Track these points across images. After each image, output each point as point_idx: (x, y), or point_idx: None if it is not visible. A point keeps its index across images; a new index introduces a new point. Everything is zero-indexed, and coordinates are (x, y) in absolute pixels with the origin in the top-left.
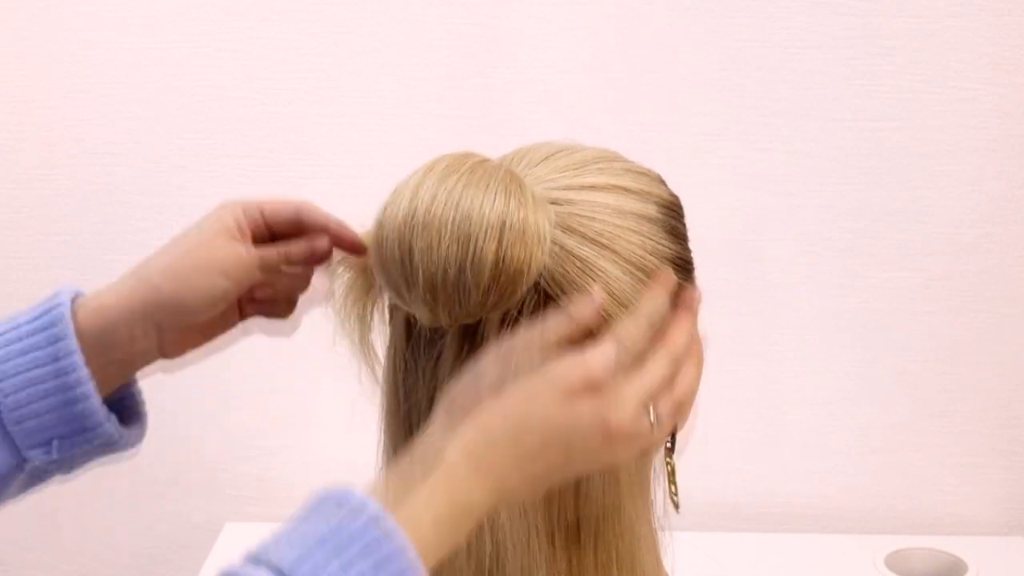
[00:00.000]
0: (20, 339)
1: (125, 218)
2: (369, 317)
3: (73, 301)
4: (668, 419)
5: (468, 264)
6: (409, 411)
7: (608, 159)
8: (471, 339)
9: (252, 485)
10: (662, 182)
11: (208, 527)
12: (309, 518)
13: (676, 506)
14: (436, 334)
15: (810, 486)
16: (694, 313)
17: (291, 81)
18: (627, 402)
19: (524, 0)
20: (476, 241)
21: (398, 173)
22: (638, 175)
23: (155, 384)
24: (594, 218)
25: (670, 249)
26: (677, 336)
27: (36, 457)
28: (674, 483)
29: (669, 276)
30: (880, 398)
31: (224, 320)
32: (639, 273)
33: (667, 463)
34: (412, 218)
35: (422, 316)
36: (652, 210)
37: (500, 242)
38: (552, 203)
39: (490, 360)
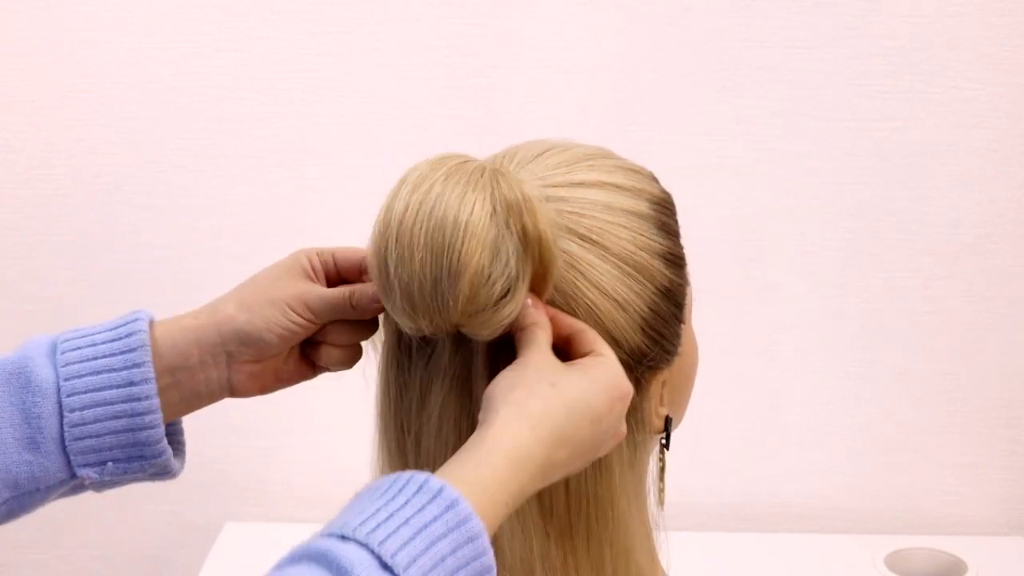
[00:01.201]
0: (95, 357)
1: (125, 218)
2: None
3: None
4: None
5: (444, 275)
6: (401, 411)
7: (600, 156)
8: (465, 338)
9: (252, 485)
10: (654, 179)
11: (208, 527)
12: (391, 497)
13: (661, 503)
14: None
15: (810, 486)
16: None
17: (291, 81)
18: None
19: (524, 0)
20: (450, 251)
21: (398, 173)
22: (629, 172)
23: None
24: (583, 214)
25: (661, 245)
26: None
27: (87, 475)
28: (663, 480)
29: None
30: (880, 398)
31: (296, 369)
32: (628, 268)
33: (659, 459)
34: (387, 229)
35: (404, 327)
36: (643, 206)
37: (477, 250)
38: (544, 200)
39: (521, 375)
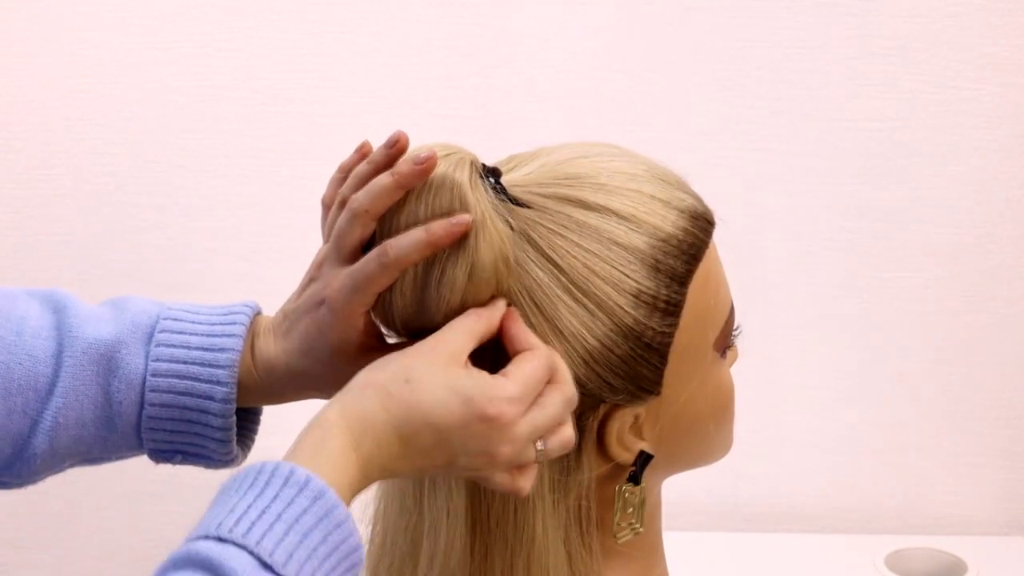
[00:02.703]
0: (184, 361)
1: (125, 218)
2: None
3: (250, 328)
4: (555, 452)
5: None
6: None
7: (629, 177)
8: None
9: None
10: (686, 214)
11: None
12: (257, 492)
13: (616, 534)
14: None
15: (810, 486)
16: None
17: (291, 81)
18: (517, 438)
19: (524, 0)
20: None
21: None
22: (650, 201)
23: None
24: (558, 232)
25: (638, 284)
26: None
27: (156, 457)
28: (625, 510)
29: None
30: (880, 398)
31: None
32: (581, 297)
33: (626, 491)
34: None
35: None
36: (639, 240)
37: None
38: (521, 205)
39: (405, 352)
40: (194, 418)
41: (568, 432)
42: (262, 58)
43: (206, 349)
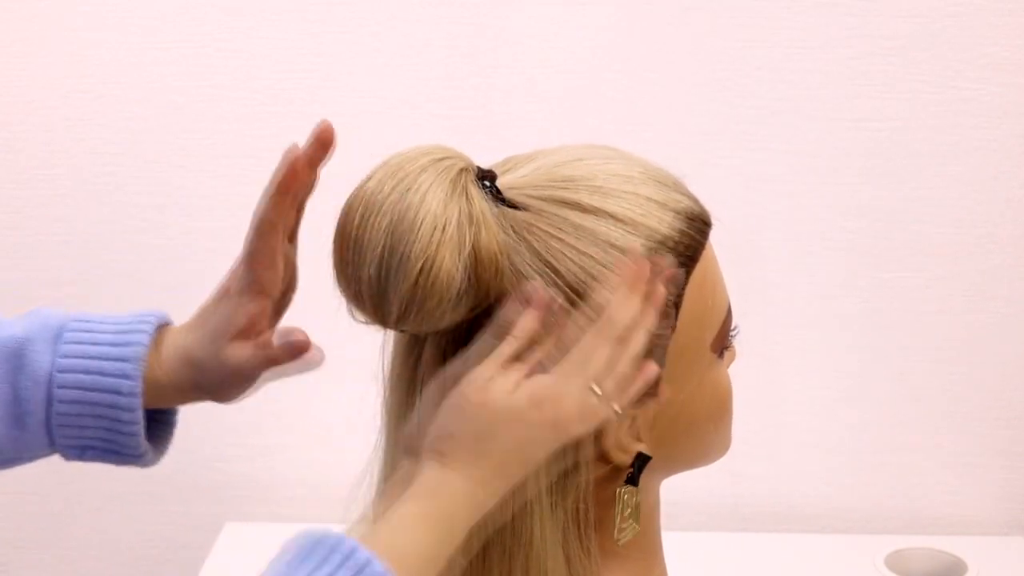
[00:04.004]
0: (92, 357)
1: (125, 218)
2: None
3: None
4: (615, 393)
5: (395, 267)
6: (400, 412)
7: (622, 179)
8: (450, 339)
9: (252, 485)
10: (678, 215)
11: (208, 527)
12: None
13: (617, 536)
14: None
15: (810, 486)
16: (642, 287)
17: (291, 81)
18: (558, 380)
19: (524, 0)
20: (404, 245)
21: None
22: (646, 203)
23: None
24: (552, 235)
25: None
26: (614, 313)
27: (67, 454)
28: (622, 512)
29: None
30: (880, 398)
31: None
32: (578, 300)
33: (625, 492)
34: (345, 227)
35: (352, 314)
36: (635, 242)
37: (426, 250)
38: (516, 208)
39: (433, 392)
40: (102, 412)
41: (620, 362)
42: (262, 58)
43: (113, 344)
